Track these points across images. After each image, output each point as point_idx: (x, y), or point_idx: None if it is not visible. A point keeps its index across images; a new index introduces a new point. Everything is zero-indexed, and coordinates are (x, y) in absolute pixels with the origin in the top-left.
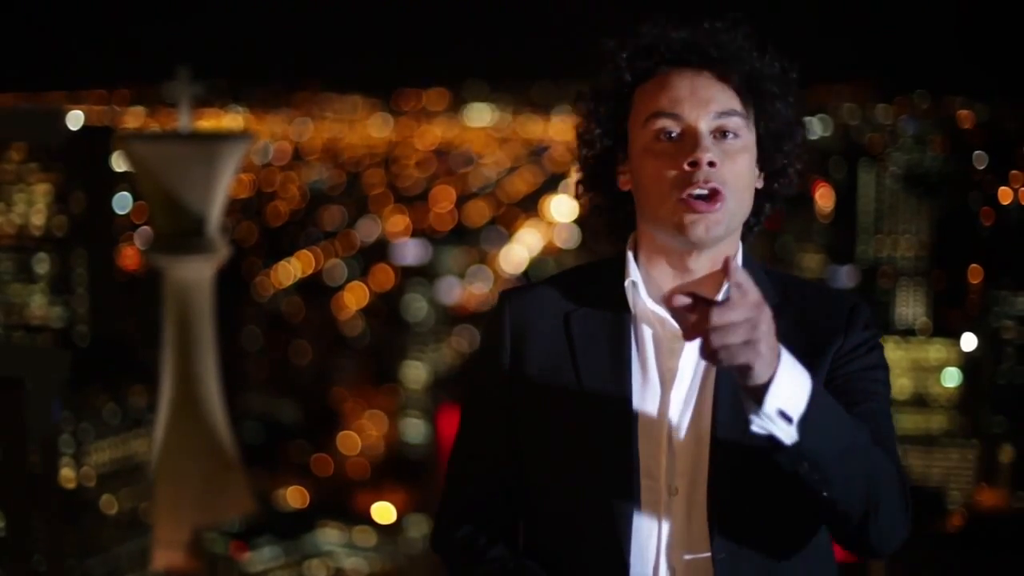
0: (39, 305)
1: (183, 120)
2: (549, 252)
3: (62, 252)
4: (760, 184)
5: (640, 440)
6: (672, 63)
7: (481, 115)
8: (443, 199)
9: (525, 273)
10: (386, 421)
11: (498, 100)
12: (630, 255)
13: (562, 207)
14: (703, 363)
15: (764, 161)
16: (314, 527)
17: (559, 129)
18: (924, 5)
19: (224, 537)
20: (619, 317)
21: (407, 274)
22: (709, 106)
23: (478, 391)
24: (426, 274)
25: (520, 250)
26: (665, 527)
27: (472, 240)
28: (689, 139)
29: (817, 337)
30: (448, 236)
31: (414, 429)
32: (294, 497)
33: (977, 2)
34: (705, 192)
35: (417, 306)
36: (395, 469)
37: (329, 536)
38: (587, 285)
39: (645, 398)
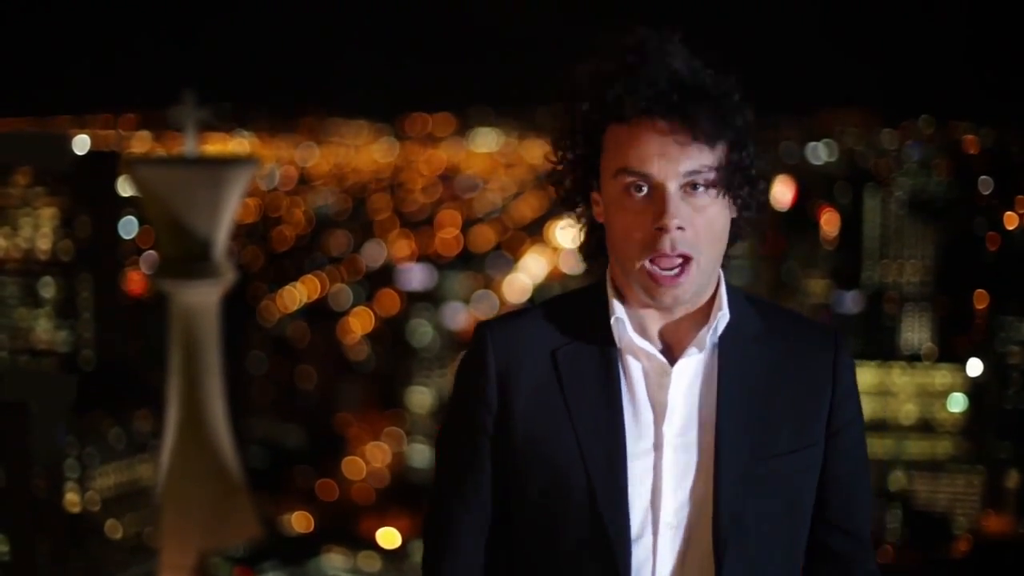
0: (44, 329)
1: (189, 145)
2: (554, 278)
3: (68, 276)
4: (734, 214)
5: (634, 475)
6: (643, 111)
7: (487, 140)
8: (449, 224)
9: (531, 299)
10: (392, 446)
11: (504, 125)
12: (611, 288)
13: (568, 233)
14: (695, 394)
15: (735, 199)
16: (319, 552)
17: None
18: (929, 30)
19: (229, 562)
20: (606, 352)
21: (413, 299)
22: (679, 164)
23: (464, 427)
24: (432, 299)
25: (525, 276)
26: (662, 561)
27: (478, 265)
28: (658, 199)
29: (808, 370)
30: (454, 261)
31: (420, 455)
32: (299, 522)
33: (982, 27)
34: (673, 267)
35: (423, 331)
36: (400, 495)
37: (334, 561)
38: (571, 318)
39: (638, 433)
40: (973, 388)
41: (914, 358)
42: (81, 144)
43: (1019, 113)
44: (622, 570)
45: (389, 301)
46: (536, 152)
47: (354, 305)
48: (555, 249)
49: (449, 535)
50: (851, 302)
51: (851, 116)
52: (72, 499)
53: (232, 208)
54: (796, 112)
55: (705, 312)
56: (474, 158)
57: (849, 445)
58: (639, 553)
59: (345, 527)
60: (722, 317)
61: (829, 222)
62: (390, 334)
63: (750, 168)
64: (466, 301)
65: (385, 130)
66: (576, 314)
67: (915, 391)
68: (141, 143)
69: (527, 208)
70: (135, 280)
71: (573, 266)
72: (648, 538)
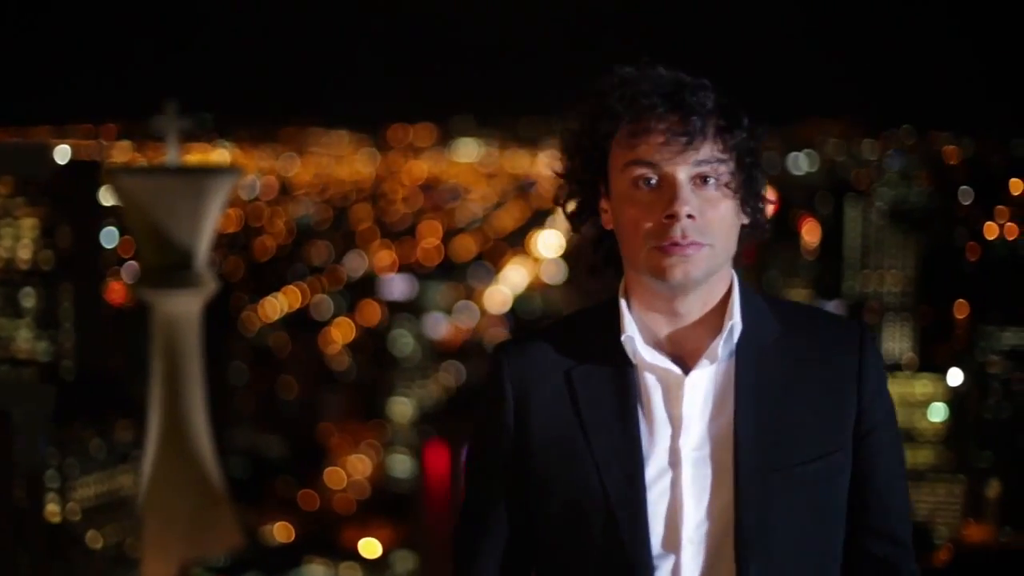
0: (25, 339)
1: (171, 154)
2: (535, 288)
3: (48, 286)
4: (745, 220)
5: (653, 493)
6: (650, 108)
7: (468, 150)
8: (430, 234)
9: (512, 309)
10: (372, 457)
11: (485, 135)
12: (623, 304)
13: (548, 242)
14: (710, 406)
15: (745, 205)
16: (300, 563)
17: (546, 164)
18: (909, 42)
19: (210, 573)
20: (620, 370)
21: (394, 309)
22: (688, 154)
23: (484, 452)
24: (413, 309)
25: (506, 287)
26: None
27: (459, 275)
28: (667, 188)
29: (831, 371)
30: (435, 271)
31: (400, 465)
32: (280, 533)
33: (962, 39)
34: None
35: (404, 341)
36: (381, 505)
37: (315, 572)
38: (584, 338)
39: (655, 450)
40: (954, 397)
41: (895, 368)
42: (62, 154)
43: (998, 124)
44: None
45: (370, 311)
46: (518, 163)
47: (335, 315)
48: (536, 259)
49: (472, 561)
50: (832, 312)
51: (832, 126)
52: (53, 510)
53: (214, 217)
54: (778, 122)
55: (718, 318)
56: (455, 168)
57: (882, 446)
58: (662, 572)
59: (326, 537)
60: (734, 326)
61: (810, 232)
62: (371, 344)
63: (758, 178)
64: (447, 311)
65: (366, 140)
66: (589, 332)
67: (896, 401)
68: (122, 153)
69: (508, 218)
70: (116, 290)
71: (554, 275)
72: (671, 556)
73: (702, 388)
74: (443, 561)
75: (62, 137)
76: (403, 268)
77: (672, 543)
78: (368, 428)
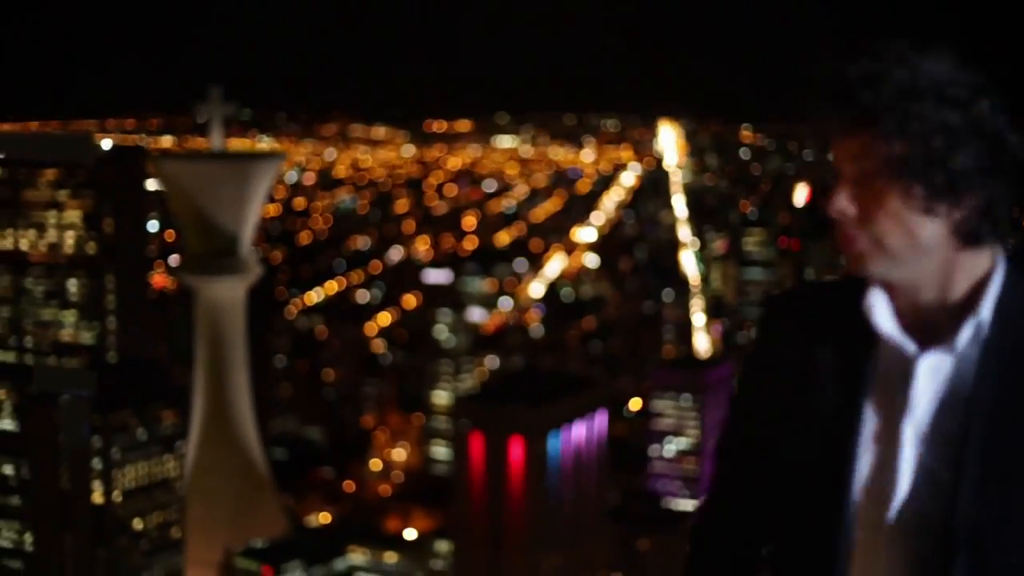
0: (71, 326)
1: (215, 140)
2: (571, 275)
3: (93, 274)
4: (936, 214)
5: (863, 464)
6: (820, 107)
7: (509, 142)
8: (470, 223)
9: (549, 297)
10: (413, 444)
11: (525, 129)
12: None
13: (585, 232)
14: (941, 395)
15: (932, 192)
16: (341, 549)
17: (583, 157)
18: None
19: (254, 558)
20: (860, 340)
21: (434, 297)
22: (851, 148)
23: (747, 390)
24: (453, 297)
25: (544, 274)
26: (886, 557)
27: (498, 263)
28: (835, 184)
29: None
30: (475, 260)
31: (440, 453)
32: (321, 519)
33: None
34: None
35: (444, 329)
36: (421, 492)
37: (356, 558)
38: (835, 304)
39: (876, 424)
40: None
41: None
42: (106, 143)
43: None
44: (840, 563)
45: (411, 299)
46: (558, 154)
47: (377, 304)
48: (573, 247)
49: (713, 542)
50: None
51: None
52: (97, 494)
53: (259, 203)
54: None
55: (967, 305)
56: (496, 159)
57: None
58: (862, 548)
59: (367, 524)
60: (978, 323)
61: None
62: (412, 332)
63: (954, 171)
64: (487, 299)
65: (407, 132)
66: (840, 299)
67: None
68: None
69: (547, 208)
70: (160, 277)
71: (589, 263)
72: (870, 533)
73: (936, 374)
74: (479, 548)
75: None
76: (443, 256)
77: (876, 520)
78: (409, 416)
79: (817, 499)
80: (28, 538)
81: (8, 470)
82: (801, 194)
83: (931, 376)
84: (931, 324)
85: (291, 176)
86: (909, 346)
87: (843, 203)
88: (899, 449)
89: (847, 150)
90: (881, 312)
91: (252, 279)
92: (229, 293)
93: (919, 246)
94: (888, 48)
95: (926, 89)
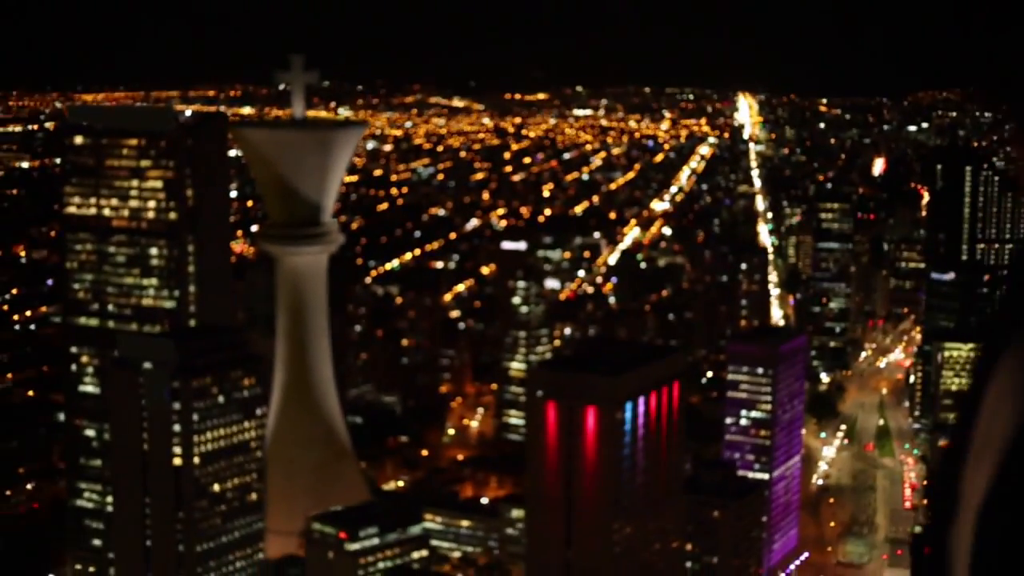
0: (152, 292)
1: (297, 109)
2: (647, 245)
3: (174, 241)
4: None
5: None
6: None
7: (587, 113)
8: (547, 193)
9: (625, 267)
10: (488, 412)
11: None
12: None
13: (661, 203)
14: None
15: None
16: (416, 514)
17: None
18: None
19: (330, 523)
20: None
21: (510, 266)
22: None
23: None
24: (529, 266)
25: (619, 244)
26: None
27: (574, 233)
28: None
29: None
30: (551, 229)
31: (515, 421)
32: (397, 486)
33: None
34: None
35: (522, 298)
36: (496, 460)
37: (431, 524)
38: None
39: None
40: None
41: None
42: (187, 112)
43: None
44: None
45: (489, 269)
46: (636, 127)
47: (454, 273)
48: (648, 217)
49: None
50: (948, 279)
51: (951, 96)
52: (177, 458)
53: (341, 172)
54: (896, 94)
55: None
56: (574, 130)
57: None
58: None
59: (443, 491)
60: None
61: (927, 199)
62: (489, 302)
63: None
64: (565, 268)
65: (486, 102)
66: None
67: None
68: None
69: (624, 179)
70: (240, 245)
71: (663, 233)
72: None
73: None
74: (552, 515)
75: (186, 103)
76: (522, 226)
77: None
78: (483, 384)
79: None
80: (109, 500)
81: (90, 433)
82: (878, 165)
83: None
84: None
85: (369, 145)
86: None
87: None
88: None
89: None
90: None
91: (334, 248)
92: (311, 262)
93: None
94: None
95: None
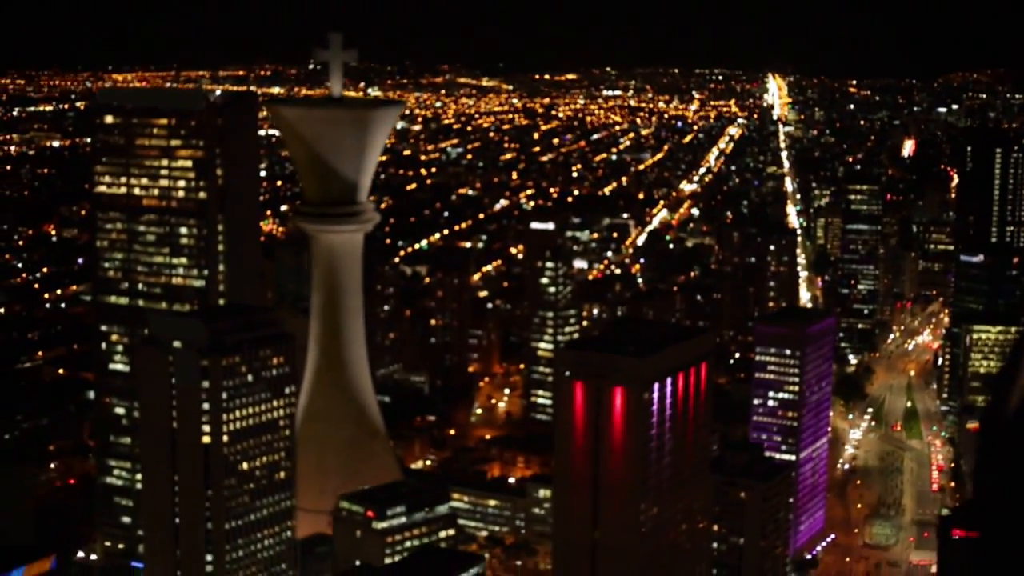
0: (181, 272)
1: (335, 87)
2: (675, 226)
3: (204, 220)
4: None
5: None
6: None
7: (616, 94)
8: (578, 173)
9: (653, 247)
10: (516, 392)
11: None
12: None
13: (690, 183)
14: None
15: None
16: (444, 493)
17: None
18: None
19: (357, 502)
20: None
21: (539, 246)
22: None
23: None
24: (557, 246)
25: (650, 223)
26: None
27: (605, 213)
28: None
29: None
30: (580, 209)
31: (543, 401)
32: (424, 465)
33: None
34: None
35: (550, 279)
36: (523, 439)
37: (458, 503)
38: None
39: None
40: None
41: None
42: (217, 92)
43: None
44: None
45: (517, 248)
46: (666, 108)
47: (482, 252)
48: (677, 198)
49: None
50: (977, 261)
51: (982, 78)
52: (206, 436)
53: (378, 150)
54: (926, 75)
55: None
56: (604, 111)
57: None
58: None
59: (470, 470)
60: None
61: (956, 181)
62: (517, 281)
63: None
64: (593, 249)
65: (517, 82)
66: None
67: None
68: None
69: (653, 159)
70: (269, 224)
71: (691, 215)
72: None
73: None
74: (579, 495)
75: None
76: (550, 206)
77: None
78: (512, 364)
79: None
80: (138, 477)
81: (120, 411)
82: (908, 147)
83: None
84: None
85: (399, 125)
86: None
87: None
88: None
89: None
90: None
91: (369, 227)
92: (346, 240)
93: None
94: None
95: None
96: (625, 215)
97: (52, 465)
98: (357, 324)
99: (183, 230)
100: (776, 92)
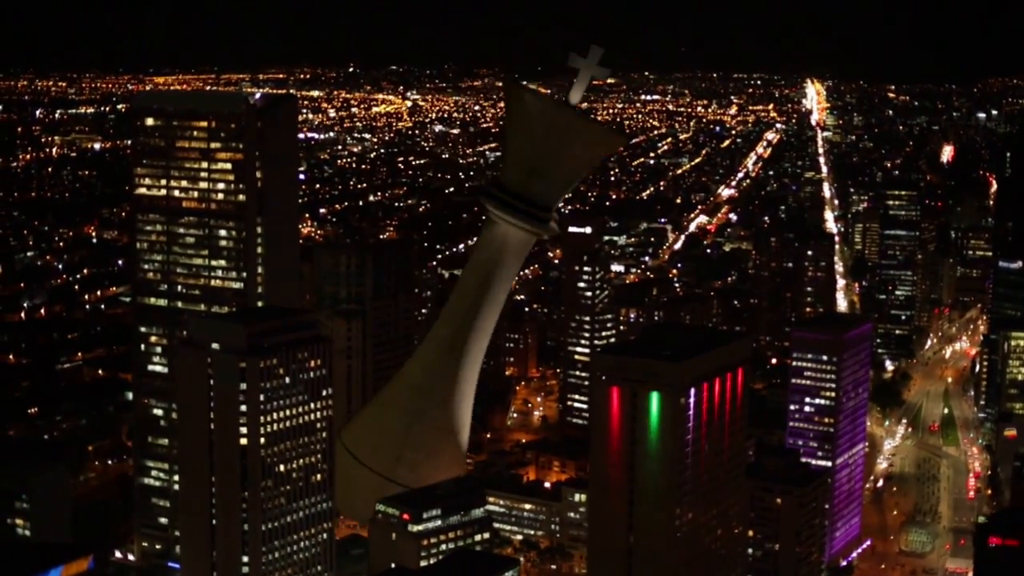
0: (220, 274)
1: (575, 95)
2: (713, 230)
3: (242, 223)
4: None
5: None
6: None
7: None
8: (615, 177)
9: (690, 252)
10: (552, 396)
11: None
12: None
13: (726, 190)
14: None
15: None
16: (479, 498)
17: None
18: None
19: (394, 505)
20: None
21: (578, 250)
22: None
23: None
24: (596, 251)
25: (688, 228)
26: None
27: (643, 218)
28: None
29: None
30: (619, 214)
31: (579, 405)
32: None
33: None
34: None
35: (587, 283)
36: (559, 443)
37: (493, 506)
38: None
39: None
40: None
41: None
42: (257, 95)
43: None
44: None
45: (555, 253)
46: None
47: None
48: (716, 204)
49: None
50: (1016, 268)
51: (1021, 83)
52: (243, 438)
53: (587, 171)
54: (966, 80)
55: None
56: (643, 115)
57: None
58: None
59: (506, 473)
60: None
61: (995, 187)
62: (555, 286)
63: None
64: (630, 254)
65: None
66: None
67: None
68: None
69: (692, 165)
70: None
71: (729, 220)
72: None
73: None
74: (614, 499)
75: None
76: (588, 211)
77: None
78: (548, 369)
79: None
80: (175, 478)
81: (158, 412)
82: (946, 153)
83: None
84: None
85: (437, 128)
86: None
87: None
88: None
89: None
90: None
91: (546, 236)
92: (520, 239)
93: None
94: None
95: None
96: (663, 220)
97: (92, 465)
98: (492, 318)
99: (222, 232)
100: (814, 97)
